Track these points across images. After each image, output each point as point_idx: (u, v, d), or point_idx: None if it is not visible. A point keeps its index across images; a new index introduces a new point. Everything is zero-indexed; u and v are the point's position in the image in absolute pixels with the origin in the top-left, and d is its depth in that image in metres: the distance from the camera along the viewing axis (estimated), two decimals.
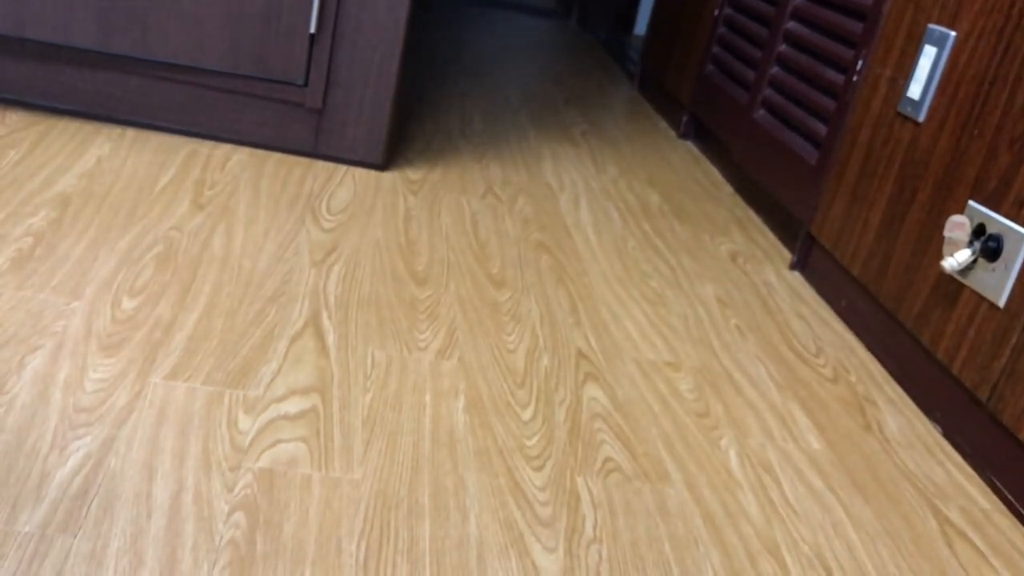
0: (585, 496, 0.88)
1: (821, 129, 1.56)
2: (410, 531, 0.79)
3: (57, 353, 0.91)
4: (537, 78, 2.53)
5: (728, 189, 1.90)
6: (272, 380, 0.94)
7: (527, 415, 0.98)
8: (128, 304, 1.02)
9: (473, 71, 2.45)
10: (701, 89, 2.09)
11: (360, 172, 1.55)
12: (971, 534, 0.95)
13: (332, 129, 1.54)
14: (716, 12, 2.08)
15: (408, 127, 1.85)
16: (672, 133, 2.23)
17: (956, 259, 1.10)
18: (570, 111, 2.24)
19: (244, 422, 0.87)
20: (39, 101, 1.48)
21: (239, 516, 0.76)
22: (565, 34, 3.31)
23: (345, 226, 1.33)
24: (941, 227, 1.18)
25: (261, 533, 0.75)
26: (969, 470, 1.07)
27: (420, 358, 1.04)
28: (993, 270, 1.07)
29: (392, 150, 1.68)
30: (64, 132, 1.43)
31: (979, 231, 1.10)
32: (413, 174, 1.59)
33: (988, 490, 1.04)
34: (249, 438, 0.85)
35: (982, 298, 1.08)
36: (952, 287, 1.14)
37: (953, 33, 1.23)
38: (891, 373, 1.26)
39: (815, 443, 1.05)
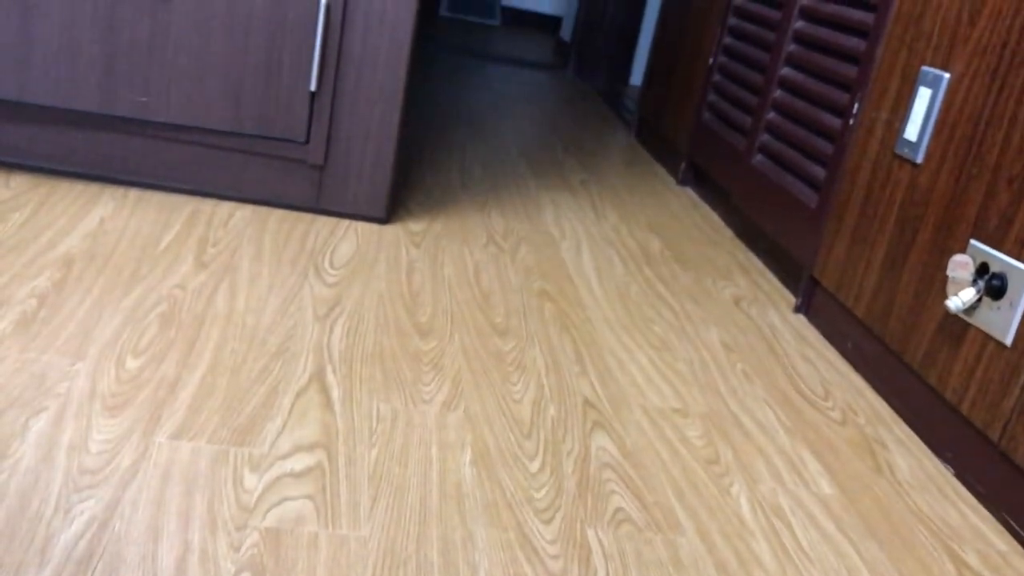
0: (596, 548, 0.87)
1: (819, 172, 1.56)
2: None
3: (61, 415, 0.91)
4: (536, 128, 2.55)
5: (729, 234, 1.90)
6: (277, 437, 0.94)
7: (535, 466, 0.97)
8: (132, 364, 1.02)
9: (473, 123, 2.48)
10: (699, 136, 2.11)
11: (362, 226, 1.55)
12: None
13: (334, 184, 1.55)
14: (711, 60, 2.11)
15: (409, 179, 1.86)
16: (671, 180, 2.25)
17: (961, 298, 1.10)
18: (569, 160, 2.26)
19: (250, 480, 0.86)
20: (42, 164, 1.50)
21: None
22: (562, 85, 3.34)
23: (348, 280, 1.33)
24: (943, 267, 1.18)
25: None
26: (984, 511, 1.06)
27: (425, 411, 1.04)
28: (998, 308, 1.06)
29: (394, 203, 1.69)
30: (68, 194, 1.44)
31: (982, 270, 1.10)
32: (415, 226, 1.60)
33: (1004, 531, 1.02)
34: (255, 497, 0.84)
35: (988, 337, 1.08)
36: (958, 326, 1.14)
37: (947, 74, 1.24)
38: (900, 414, 1.25)
39: (826, 487, 1.04)
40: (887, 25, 1.42)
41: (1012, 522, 1.02)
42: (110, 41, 1.42)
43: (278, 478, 0.87)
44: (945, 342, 1.16)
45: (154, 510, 0.80)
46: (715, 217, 2.00)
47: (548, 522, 0.89)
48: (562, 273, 1.52)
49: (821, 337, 1.46)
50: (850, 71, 1.51)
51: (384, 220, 1.59)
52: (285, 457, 0.91)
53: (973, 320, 1.10)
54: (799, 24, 1.72)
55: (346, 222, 1.56)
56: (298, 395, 1.02)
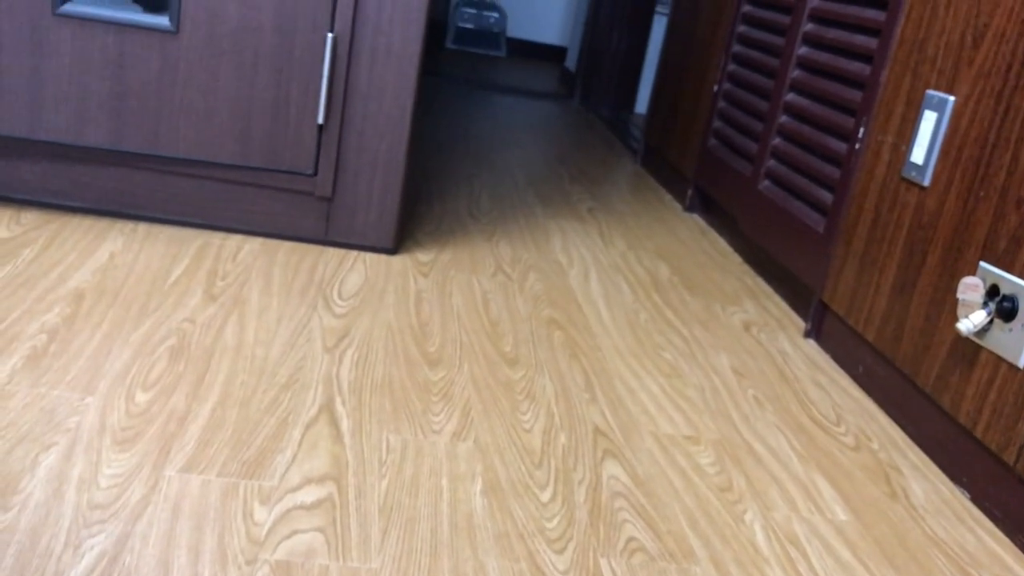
0: None
1: (827, 197, 1.56)
2: None
3: (71, 450, 0.91)
4: (542, 157, 2.56)
5: (737, 259, 1.90)
6: (287, 469, 0.93)
7: (546, 496, 0.97)
8: (142, 397, 1.02)
9: (480, 152, 2.49)
10: (705, 163, 2.12)
11: (371, 257, 1.56)
12: None
13: (342, 216, 1.55)
14: (715, 87, 2.11)
15: (417, 209, 1.87)
16: (677, 206, 2.25)
17: (972, 321, 1.09)
18: (576, 188, 2.27)
19: (260, 513, 0.86)
20: (53, 200, 1.51)
21: None
22: (568, 114, 3.36)
23: (357, 311, 1.34)
24: (953, 289, 1.18)
25: None
26: (1001, 535, 1.05)
27: (435, 441, 1.03)
28: (1010, 330, 1.06)
29: (402, 233, 1.70)
30: (77, 229, 1.45)
31: (993, 291, 1.09)
32: (423, 256, 1.60)
33: (1022, 556, 1.01)
34: (265, 530, 0.84)
35: (1001, 359, 1.07)
36: (969, 349, 1.13)
37: (952, 98, 1.24)
38: (913, 439, 1.24)
39: (841, 514, 1.03)
40: (891, 49, 1.42)
41: None
42: (119, 78, 1.44)
43: (288, 511, 0.87)
44: (957, 365, 1.15)
45: (164, 544, 0.80)
46: (723, 243, 2.00)
47: (560, 552, 0.88)
48: (571, 301, 1.52)
49: (832, 362, 1.45)
50: (855, 96, 1.51)
51: (392, 251, 1.59)
52: (295, 489, 0.90)
53: (985, 342, 1.10)
54: (803, 50, 1.72)
55: (354, 253, 1.56)
56: (308, 427, 1.02)
